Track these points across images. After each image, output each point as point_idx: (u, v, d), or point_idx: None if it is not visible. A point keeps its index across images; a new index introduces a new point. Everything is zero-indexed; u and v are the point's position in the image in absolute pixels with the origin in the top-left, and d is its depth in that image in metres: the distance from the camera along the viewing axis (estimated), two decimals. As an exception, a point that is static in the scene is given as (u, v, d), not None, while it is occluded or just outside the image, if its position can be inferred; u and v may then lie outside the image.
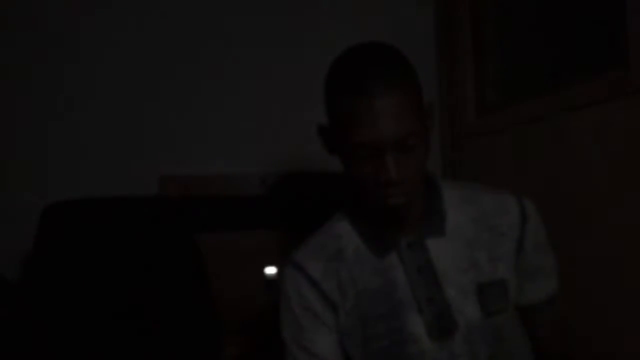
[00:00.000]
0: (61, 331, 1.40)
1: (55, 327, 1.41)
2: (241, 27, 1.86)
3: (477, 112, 1.89)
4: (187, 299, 1.48)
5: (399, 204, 1.01)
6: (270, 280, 1.53)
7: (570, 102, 1.44)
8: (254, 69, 1.85)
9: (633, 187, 1.25)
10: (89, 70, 1.77)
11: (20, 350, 1.37)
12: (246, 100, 1.84)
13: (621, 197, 1.28)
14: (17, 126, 1.73)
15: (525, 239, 1.11)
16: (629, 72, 1.27)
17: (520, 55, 1.77)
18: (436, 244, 1.09)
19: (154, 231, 1.53)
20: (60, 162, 1.73)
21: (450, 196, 1.13)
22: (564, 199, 1.43)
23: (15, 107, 1.73)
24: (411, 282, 1.08)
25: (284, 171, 1.78)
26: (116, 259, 1.47)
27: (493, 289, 1.09)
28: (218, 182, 1.77)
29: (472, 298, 1.08)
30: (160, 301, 1.46)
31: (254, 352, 1.48)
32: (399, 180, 0.98)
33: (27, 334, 1.39)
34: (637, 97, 1.24)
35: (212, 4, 1.84)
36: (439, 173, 1.93)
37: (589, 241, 1.36)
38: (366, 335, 1.10)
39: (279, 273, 1.44)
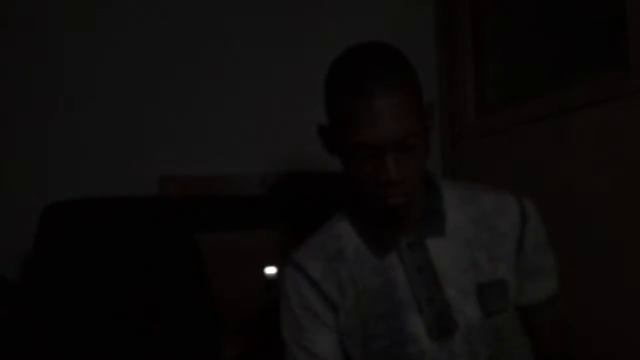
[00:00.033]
0: (61, 331, 1.40)
1: (56, 327, 1.40)
2: (241, 27, 1.86)
3: (477, 112, 1.89)
4: (187, 299, 1.48)
5: (399, 204, 1.02)
6: (270, 280, 1.53)
7: (570, 102, 1.44)
8: (254, 69, 1.85)
9: (633, 187, 1.25)
10: (89, 70, 1.77)
11: (20, 350, 1.37)
12: (246, 100, 1.84)
13: (621, 197, 1.28)
14: (17, 126, 1.73)
15: (525, 239, 1.11)
16: (629, 72, 1.27)
17: (520, 55, 1.77)
18: (436, 244, 1.09)
19: (154, 231, 1.53)
20: (60, 162, 1.73)
21: (450, 196, 1.13)
22: (564, 199, 1.43)
23: (15, 107, 1.73)
24: (411, 282, 1.08)
25: (284, 171, 1.78)
26: (116, 259, 1.47)
27: (493, 289, 1.09)
28: (218, 182, 1.77)
29: (472, 298, 1.08)
30: (160, 301, 1.45)
31: (254, 352, 1.48)
32: (399, 180, 0.98)
33: (27, 334, 1.39)
34: (637, 97, 1.24)
35: (212, 4, 1.84)
36: (439, 173, 1.93)
37: (589, 241, 1.36)
38: (366, 335, 1.10)
39: (279, 273, 1.44)
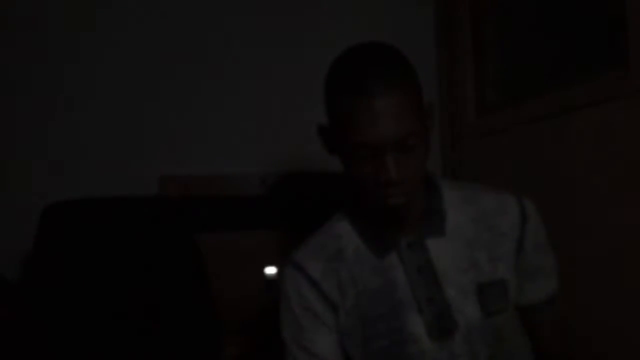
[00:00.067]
0: (61, 331, 1.40)
1: (55, 327, 1.40)
2: (241, 27, 1.86)
3: (477, 112, 1.89)
4: (187, 299, 1.48)
5: (399, 204, 1.01)
6: (270, 280, 1.53)
7: (570, 102, 1.44)
8: (254, 69, 1.85)
9: (633, 187, 1.25)
10: (89, 70, 1.77)
11: (20, 350, 1.37)
12: (246, 100, 1.84)
13: (621, 197, 1.28)
14: (17, 126, 1.73)
15: (525, 239, 1.11)
16: (629, 72, 1.27)
17: (520, 55, 1.77)
18: (436, 244, 1.09)
19: (154, 231, 1.53)
20: (60, 162, 1.73)
21: (450, 196, 1.13)
22: (564, 199, 1.43)
23: (15, 107, 1.73)
24: (411, 282, 1.08)
25: (284, 171, 1.78)
26: (116, 259, 1.47)
27: (493, 289, 1.09)
28: (218, 182, 1.77)
29: (472, 298, 1.08)
30: (160, 301, 1.45)
31: (254, 352, 1.48)
32: (399, 180, 0.98)
33: (27, 334, 1.39)
34: (637, 97, 1.24)
35: (212, 4, 1.84)
36: (439, 173, 1.93)
37: (589, 241, 1.36)
38: (366, 335, 1.10)
39: (279, 273, 1.44)
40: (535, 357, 1.20)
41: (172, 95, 1.81)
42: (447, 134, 1.95)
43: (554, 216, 1.20)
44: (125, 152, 1.77)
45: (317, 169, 1.56)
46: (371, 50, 1.03)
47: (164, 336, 1.43)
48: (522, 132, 1.63)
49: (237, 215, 1.61)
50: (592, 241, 1.35)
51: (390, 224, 1.10)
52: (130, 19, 1.80)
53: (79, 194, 1.54)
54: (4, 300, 1.51)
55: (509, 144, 1.69)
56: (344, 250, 1.13)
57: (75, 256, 1.47)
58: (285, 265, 1.16)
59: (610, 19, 1.36)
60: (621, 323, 1.28)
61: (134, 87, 1.79)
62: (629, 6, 1.27)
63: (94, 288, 1.44)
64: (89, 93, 1.77)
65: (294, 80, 1.84)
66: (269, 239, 1.53)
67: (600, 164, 1.34)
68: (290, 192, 1.75)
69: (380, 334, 1.09)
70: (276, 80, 1.86)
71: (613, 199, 1.30)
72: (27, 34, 1.73)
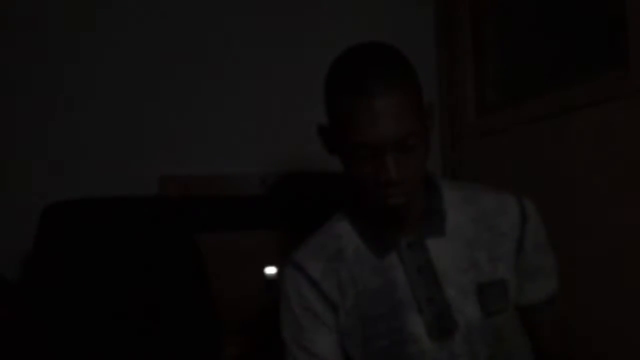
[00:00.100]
0: (61, 331, 1.40)
1: (55, 327, 1.40)
2: (241, 27, 1.86)
3: (477, 112, 1.89)
4: (187, 299, 1.48)
5: (399, 204, 1.01)
6: (270, 280, 1.53)
7: (570, 102, 1.44)
8: (254, 69, 1.85)
9: (633, 187, 1.25)
10: (89, 70, 1.77)
11: (20, 350, 1.37)
12: (246, 100, 1.84)
13: (621, 197, 1.28)
14: (17, 126, 1.73)
15: (525, 239, 1.11)
16: (629, 72, 1.27)
17: (520, 55, 1.77)
18: (436, 244, 1.09)
19: (154, 231, 1.53)
20: (60, 162, 1.73)
21: (450, 196, 1.13)
22: (564, 199, 1.43)
23: (15, 107, 1.73)
24: (411, 282, 1.08)
25: (284, 171, 1.78)
26: (116, 259, 1.47)
27: (493, 289, 1.09)
28: (218, 182, 1.77)
29: (472, 298, 1.08)
30: (160, 301, 1.45)
31: (254, 352, 1.48)
32: (399, 180, 0.98)
33: (27, 334, 1.39)
34: (637, 97, 1.24)
35: (212, 4, 1.84)
36: (439, 173, 1.93)
37: (589, 241, 1.36)
38: (366, 335, 1.10)
39: (279, 273, 1.44)
40: (535, 357, 1.20)
41: (172, 95, 1.81)
42: (447, 134, 1.95)
43: (554, 216, 1.20)
44: (125, 152, 1.77)
45: (317, 169, 1.56)
46: (371, 50, 1.03)
47: (164, 336, 1.43)
48: (522, 132, 1.63)
49: (237, 215, 1.61)
50: (592, 241, 1.35)
51: (390, 224, 1.10)
52: (130, 19, 1.80)
53: (79, 194, 1.53)
54: (4, 300, 1.51)
55: (509, 144, 1.69)
56: (344, 250, 1.13)
57: (75, 256, 1.47)
58: (285, 265, 1.16)
59: (610, 19, 1.36)
60: (621, 323, 1.28)
61: (134, 87, 1.78)
62: (629, 6, 1.27)
63: (94, 288, 1.44)
64: (89, 93, 1.77)
65: (294, 80, 1.84)
66: (269, 239, 1.53)
67: (600, 164, 1.34)
68: (290, 192, 1.75)
69: (380, 334, 1.09)
70: (276, 80, 1.85)
71: (613, 199, 1.30)
72: (27, 34, 1.73)
